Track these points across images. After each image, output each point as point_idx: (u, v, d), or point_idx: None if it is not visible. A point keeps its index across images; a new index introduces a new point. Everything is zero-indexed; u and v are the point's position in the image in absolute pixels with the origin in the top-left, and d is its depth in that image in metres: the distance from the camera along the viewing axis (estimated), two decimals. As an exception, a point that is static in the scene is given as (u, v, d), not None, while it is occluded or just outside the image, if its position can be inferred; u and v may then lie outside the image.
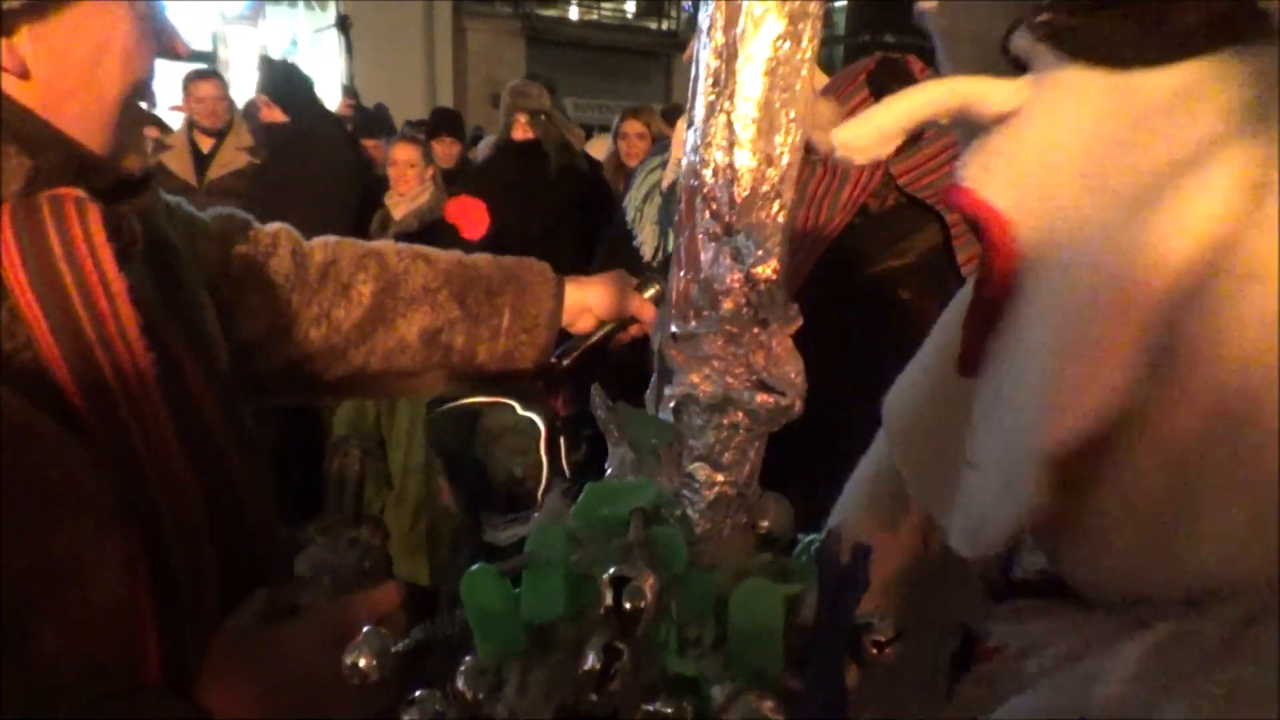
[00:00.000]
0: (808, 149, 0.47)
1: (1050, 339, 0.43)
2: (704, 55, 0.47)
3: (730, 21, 0.45)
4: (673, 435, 0.51)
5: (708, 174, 0.47)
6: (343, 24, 10.94)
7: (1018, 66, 0.45)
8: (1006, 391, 0.45)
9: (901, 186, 1.72)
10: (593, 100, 13.34)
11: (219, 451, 0.86)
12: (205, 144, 4.13)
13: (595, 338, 1.20)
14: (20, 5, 0.70)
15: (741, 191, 0.47)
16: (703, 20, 0.48)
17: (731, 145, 0.46)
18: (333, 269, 1.14)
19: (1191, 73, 0.40)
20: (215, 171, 4.06)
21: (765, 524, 0.54)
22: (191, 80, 4.19)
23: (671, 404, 0.51)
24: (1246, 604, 0.39)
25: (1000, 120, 0.45)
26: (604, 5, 17.02)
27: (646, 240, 2.72)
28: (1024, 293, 0.45)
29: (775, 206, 0.47)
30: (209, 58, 12.16)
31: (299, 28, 13.92)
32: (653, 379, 0.56)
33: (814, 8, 0.45)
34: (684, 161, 0.49)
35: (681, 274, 0.50)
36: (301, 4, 14.11)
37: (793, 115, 0.46)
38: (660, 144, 3.06)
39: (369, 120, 6.08)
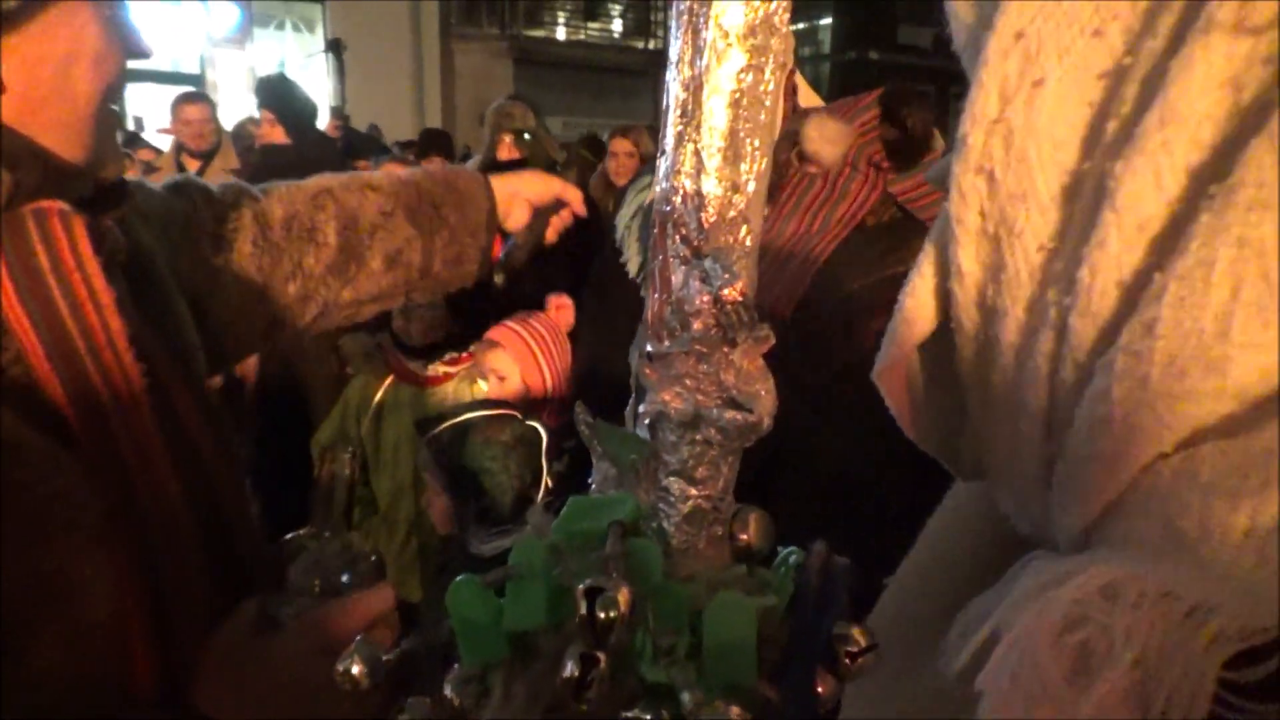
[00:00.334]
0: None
1: None
2: (673, 87, 0.50)
3: (696, 55, 0.47)
4: (648, 451, 0.53)
5: (677, 200, 0.49)
6: (335, 47, 11.00)
7: None
8: None
9: (901, 204, 1.76)
10: (583, 119, 13.43)
11: (203, 462, 0.87)
12: (192, 166, 4.16)
13: (535, 230, 1.32)
14: None
15: (709, 217, 0.49)
16: (672, 53, 0.50)
17: (699, 173, 0.48)
18: (295, 221, 1.17)
19: None
20: (203, 194, 4.06)
21: (745, 537, 0.56)
22: (179, 103, 4.21)
23: (646, 421, 0.53)
24: None
25: None
26: (590, 26, 17.13)
27: (633, 258, 2.74)
28: None
29: (743, 231, 0.49)
30: (197, 80, 12.17)
31: (287, 51, 13.97)
32: (632, 397, 0.58)
33: (775, 43, 0.47)
34: (656, 188, 0.51)
35: (655, 295, 0.52)
36: (289, 27, 14.18)
37: (757, 144, 0.48)
38: (650, 163, 3.08)
39: (359, 141, 6.11)
